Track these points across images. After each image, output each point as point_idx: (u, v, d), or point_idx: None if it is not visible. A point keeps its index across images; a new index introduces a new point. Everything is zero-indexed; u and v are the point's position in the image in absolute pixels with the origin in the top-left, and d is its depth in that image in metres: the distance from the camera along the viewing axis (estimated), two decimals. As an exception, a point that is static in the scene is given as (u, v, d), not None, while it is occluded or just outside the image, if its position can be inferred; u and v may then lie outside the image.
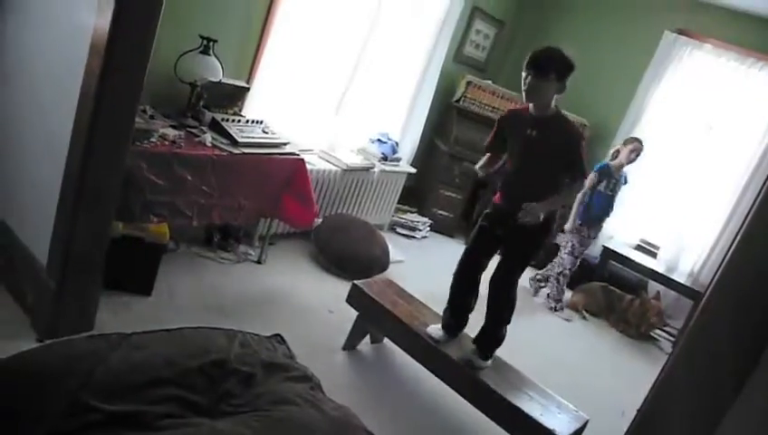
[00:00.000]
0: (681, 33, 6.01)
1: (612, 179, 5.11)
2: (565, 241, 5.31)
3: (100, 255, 2.72)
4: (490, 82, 6.45)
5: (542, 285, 5.49)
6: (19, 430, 1.66)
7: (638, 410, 1.62)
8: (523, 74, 2.87)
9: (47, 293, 2.63)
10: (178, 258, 3.80)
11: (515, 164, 3.09)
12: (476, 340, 3.17)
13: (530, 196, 2.90)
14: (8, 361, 1.86)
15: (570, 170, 3.00)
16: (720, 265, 1.41)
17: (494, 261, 3.19)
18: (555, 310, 5.31)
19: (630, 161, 5.11)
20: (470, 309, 3.25)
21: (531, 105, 2.97)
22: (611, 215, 5.30)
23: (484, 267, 3.23)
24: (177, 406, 1.87)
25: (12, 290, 2.89)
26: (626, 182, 5.25)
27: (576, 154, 2.93)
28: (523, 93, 2.90)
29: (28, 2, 2.86)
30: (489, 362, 3.10)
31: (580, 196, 4.97)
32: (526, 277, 4.67)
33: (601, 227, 5.35)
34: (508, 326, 3.17)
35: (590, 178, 5.00)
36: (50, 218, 2.64)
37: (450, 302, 3.26)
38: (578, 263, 5.32)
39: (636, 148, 5.07)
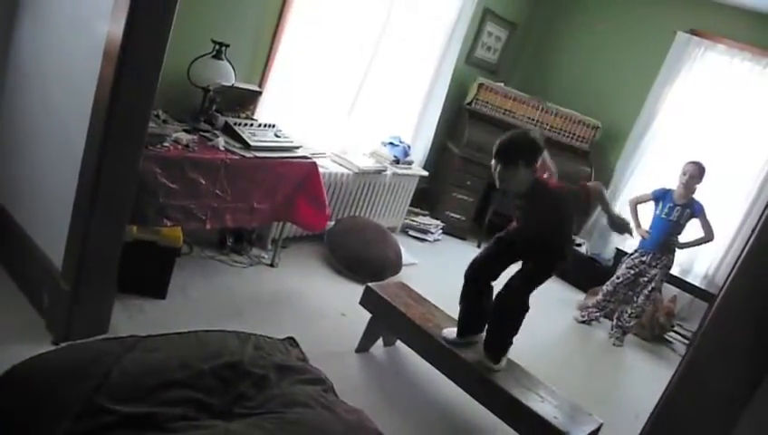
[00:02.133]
0: (694, 33, 5.98)
1: (669, 204, 4.85)
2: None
3: (115, 258, 2.75)
4: (502, 84, 6.44)
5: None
6: (35, 432, 1.68)
7: (651, 414, 1.60)
8: (492, 163, 2.93)
9: (62, 296, 2.66)
10: (192, 262, 3.83)
11: (519, 220, 3.16)
12: (485, 343, 3.16)
13: (540, 237, 3.02)
14: (25, 363, 1.88)
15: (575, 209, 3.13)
16: (734, 267, 1.40)
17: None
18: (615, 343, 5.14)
19: (687, 186, 4.76)
20: (485, 312, 3.22)
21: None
22: (678, 244, 4.94)
23: (497, 274, 3.21)
24: (190, 408, 1.88)
25: (27, 293, 2.92)
26: (698, 212, 4.81)
27: (568, 207, 3.06)
28: (496, 181, 2.97)
29: (43, 8, 2.89)
30: (502, 364, 3.08)
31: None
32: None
33: (665, 257, 4.94)
34: (517, 333, 3.16)
35: (647, 196, 5.03)
36: (65, 222, 2.67)
37: (462, 305, 3.24)
38: (642, 291, 5.03)
39: (685, 170, 4.77)
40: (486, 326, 3.17)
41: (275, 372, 2.19)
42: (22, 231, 2.98)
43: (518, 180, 2.92)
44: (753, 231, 1.39)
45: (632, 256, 5.09)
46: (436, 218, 6.14)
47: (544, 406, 2.88)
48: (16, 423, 1.73)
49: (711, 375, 1.44)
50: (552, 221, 3.02)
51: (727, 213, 5.70)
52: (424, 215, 6.13)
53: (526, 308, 3.11)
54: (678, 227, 4.87)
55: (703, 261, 5.92)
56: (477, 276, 3.20)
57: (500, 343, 3.12)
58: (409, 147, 5.66)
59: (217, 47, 3.57)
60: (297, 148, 3.84)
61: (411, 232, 5.87)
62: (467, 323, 3.22)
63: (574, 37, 6.81)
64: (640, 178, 6.27)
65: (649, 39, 6.25)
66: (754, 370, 1.36)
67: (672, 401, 1.51)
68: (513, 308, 3.11)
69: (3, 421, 1.76)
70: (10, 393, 1.81)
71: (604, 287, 5.22)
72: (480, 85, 6.24)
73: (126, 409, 1.76)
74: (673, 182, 4.96)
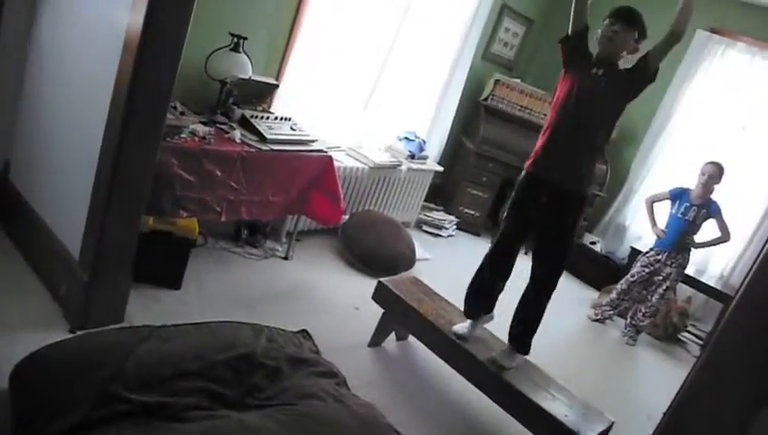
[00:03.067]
0: (714, 31, 5.92)
1: (686, 203, 4.83)
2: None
3: (131, 248, 2.77)
4: (518, 80, 6.41)
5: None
6: (51, 419, 1.70)
7: (664, 414, 1.60)
8: (606, 21, 2.89)
9: (79, 285, 2.69)
10: (207, 253, 3.85)
11: (566, 111, 2.94)
12: (514, 336, 3.12)
13: (574, 155, 2.92)
14: (42, 350, 1.91)
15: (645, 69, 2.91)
16: (752, 267, 1.40)
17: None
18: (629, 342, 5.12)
19: (705, 186, 4.74)
20: (499, 292, 3.21)
21: (600, 51, 2.95)
22: (693, 244, 4.90)
23: (516, 254, 3.17)
24: (204, 398, 1.90)
25: (45, 281, 2.95)
26: (715, 212, 4.79)
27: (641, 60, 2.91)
28: (602, 39, 2.90)
29: (63, 1, 2.92)
30: (515, 362, 3.07)
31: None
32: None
33: (680, 256, 4.92)
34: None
35: (663, 194, 5.03)
36: (83, 212, 2.69)
37: (476, 286, 3.22)
38: (657, 290, 5.01)
39: (704, 171, 4.74)
40: (518, 317, 3.13)
41: (288, 364, 2.20)
42: (40, 220, 3.01)
43: (623, 47, 2.90)
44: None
45: (647, 255, 5.06)
46: (451, 214, 6.14)
47: (555, 404, 2.88)
48: (33, 409, 1.76)
49: (726, 377, 1.43)
50: (618, 102, 2.95)
51: (744, 213, 5.64)
52: (438, 210, 6.13)
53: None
54: (694, 226, 4.84)
55: (718, 261, 5.88)
56: (499, 260, 3.16)
57: (534, 328, 3.10)
58: (425, 142, 5.65)
59: (235, 40, 3.58)
60: (313, 141, 3.85)
61: (425, 227, 5.87)
62: (485, 298, 3.20)
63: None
64: (656, 178, 6.22)
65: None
66: (769, 372, 1.35)
67: (686, 402, 1.51)
68: (553, 284, 3.06)
69: (21, 407, 1.79)
70: (28, 380, 1.83)
71: (618, 286, 5.20)
72: (496, 81, 6.22)
73: (140, 398, 1.78)
74: (689, 181, 4.92)
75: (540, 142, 3.03)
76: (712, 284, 5.53)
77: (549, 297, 3.08)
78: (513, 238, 3.15)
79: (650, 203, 5.10)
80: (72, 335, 2.58)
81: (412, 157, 5.40)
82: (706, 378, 1.47)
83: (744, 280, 1.41)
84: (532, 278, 3.10)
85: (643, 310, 5.05)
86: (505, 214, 3.17)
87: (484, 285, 3.20)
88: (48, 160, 3.04)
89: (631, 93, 2.94)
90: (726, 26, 5.88)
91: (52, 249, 2.90)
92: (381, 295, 3.49)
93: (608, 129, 3.02)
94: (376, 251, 4.49)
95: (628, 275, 5.16)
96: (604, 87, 2.89)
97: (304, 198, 3.87)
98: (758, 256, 1.38)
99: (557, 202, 2.95)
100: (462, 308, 3.31)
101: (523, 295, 3.13)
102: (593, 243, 6.27)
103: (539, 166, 3.00)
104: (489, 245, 3.25)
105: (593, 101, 2.91)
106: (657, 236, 4.98)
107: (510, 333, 3.14)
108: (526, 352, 3.11)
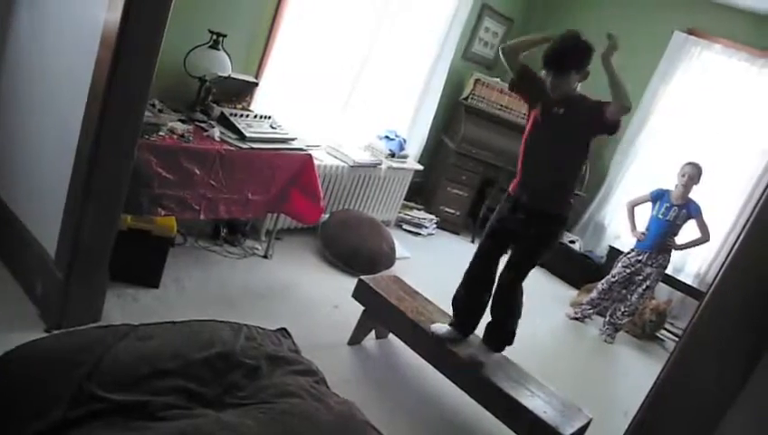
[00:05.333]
0: (691, 32, 5.99)
1: (666, 204, 4.88)
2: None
3: (108, 247, 2.75)
4: (498, 79, 6.43)
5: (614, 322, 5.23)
6: (27, 419, 1.68)
7: (639, 408, 1.62)
8: (543, 72, 2.87)
9: (56, 284, 2.66)
10: (186, 252, 3.83)
11: (538, 145, 3.02)
12: (487, 338, 3.17)
13: (552, 182, 2.94)
14: (17, 350, 1.88)
15: (601, 121, 2.85)
16: (723, 265, 1.42)
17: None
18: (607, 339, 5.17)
19: (685, 187, 4.79)
20: (485, 307, 3.22)
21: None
22: (674, 245, 4.96)
23: (497, 266, 3.20)
24: (182, 397, 1.89)
25: (21, 281, 2.91)
26: (695, 212, 4.84)
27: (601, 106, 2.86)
28: (549, 88, 2.88)
29: (40, -5, 2.89)
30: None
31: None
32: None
33: (661, 257, 4.98)
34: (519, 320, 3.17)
35: (644, 197, 5.06)
36: (59, 210, 2.67)
37: (464, 302, 3.22)
38: (640, 291, 5.07)
39: (684, 172, 4.78)
40: (491, 320, 3.17)
41: (267, 362, 2.20)
42: (15, 219, 2.97)
43: (569, 86, 2.87)
44: (740, 232, 1.40)
45: (628, 255, 5.11)
46: (431, 213, 6.15)
47: (534, 400, 2.90)
48: (7, 409, 1.74)
49: (699, 371, 1.45)
50: (583, 135, 2.94)
51: (721, 212, 5.70)
52: (418, 209, 6.14)
53: (522, 292, 3.12)
54: (675, 227, 4.90)
55: (695, 260, 5.94)
56: (481, 273, 3.19)
57: (508, 332, 3.13)
58: (405, 141, 5.66)
59: (214, 37, 3.56)
60: (292, 140, 3.84)
61: (405, 226, 5.87)
62: (471, 319, 3.23)
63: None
64: (635, 177, 6.29)
65: (646, 38, 6.24)
66: (742, 366, 1.37)
67: (659, 398, 1.53)
68: (519, 297, 3.11)
69: (-6, 407, 1.77)
70: (2, 380, 1.81)
71: (599, 285, 5.24)
72: (476, 80, 6.24)
73: (117, 397, 1.77)
74: (667, 182, 4.98)
75: (518, 169, 3.10)
76: (689, 282, 5.60)
77: (516, 302, 3.12)
78: (493, 253, 3.19)
79: (631, 207, 5.14)
80: (47, 334, 2.56)
81: (392, 155, 5.41)
82: (678, 374, 1.49)
83: (715, 277, 1.43)
84: (498, 285, 3.14)
85: (622, 308, 5.10)
86: (486, 231, 3.21)
87: (470, 300, 3.21)
88: (24, 158, 3.00)
89: (592, 132, 2.96)
90: (704, 28, 5.95)
91: (27, 248, 2.87)
92: (361, 293, 3.49)
93: (576, 161, 3.04)
94: (356, 250, 4.49)
95: (609, 276, 5.20)
96: (565, 126, 2.91)
97: (284, 197, 3.86)
98: (729, 253, 1.40)
99: (536, 220, 2.99)
100: (440, 306, 3.33)
101: (492, 302, 3.18)
102: (572, 241, 6.31)
103: (518, 192, 3.07)
104: (469, 243, 3.26)
105: (555, 142, 2.95)
106: (638, 239, 5.03)
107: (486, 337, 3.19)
108: (500, 348, 3.14)
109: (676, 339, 5.50)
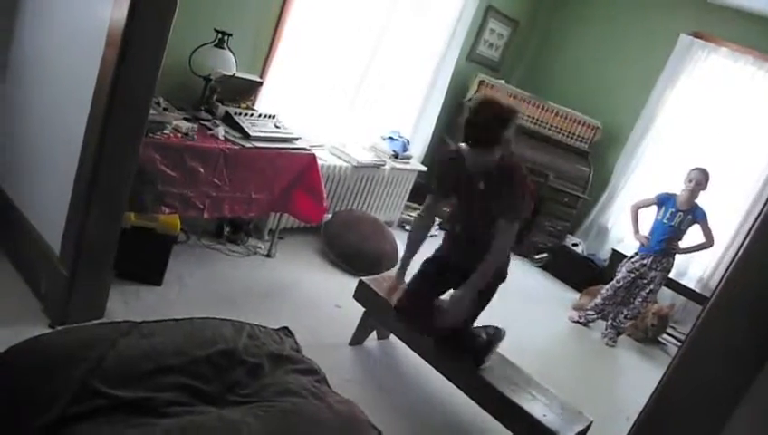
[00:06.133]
0: (697, 36, 5.98)
1: (672, 209, 4.85)
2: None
3: (112, 244, 2.75)
4: (503, 81, 6.44)
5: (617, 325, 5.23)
6: (30, 414, 1.69)
7: (640, 413, 1.62)
8: (462, 146, 2.78)
9: (60, 280, 2.67)
10: (189, 250, 3.84)
11: (463, 217, 3.09)
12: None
13: (479, 249, 2.87)
14: (21, 345, 1.89)
15: (503, 214, 2.79)
16: (727, 269, 1.41)
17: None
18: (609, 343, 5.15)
19: (692, 192, 4.76)
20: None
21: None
22: (678, 250, 4.95)
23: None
24: (184, 394, 1.89)
25: (25, 277, 2.93)
26: (700, 218, 4.82)
27: (512, 196, 2.76)
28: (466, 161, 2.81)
29: (46, -7, 2.90)
30: (487, 362, 3.07)
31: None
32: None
33: (665, 261, 4.96)
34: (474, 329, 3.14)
35: (649, 200, 5.02)
36: (63, 207, 2.67)
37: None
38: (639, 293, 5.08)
39: (691, 177, 4.76)
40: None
41: (269, 361, 2.21)
42: (21, 215, 2.98)
43: (493, 156, 2.70)
44: (747, 234, 1.40)
45: (632, 260, 5.09)
46: (434, 214, 6.13)
47: (534, 404, 2.90)
48: (11, 404, 1.74)
49: (702, 375, 1.45)
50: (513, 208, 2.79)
51: (726, 217, 5.70)
52: (421, 210, 6.13)
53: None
54: (679, 232, 4.88)
55: (698, 264, 5.93)
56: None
57: (476, 350, 3.07)
58: (408, 142, 5.66)
59: (220, 36, 3.56)
60: (296, 139, 3.84)
61: (408, 227, 5.86)
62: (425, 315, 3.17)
63: (576, 37, 6.80)
64: (639, 181, 6.29)
65: (652, 40, 6.25)
66: (746, 370, 1.37)
67: (659, 404, 1.52)
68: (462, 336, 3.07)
69: (-2, 402, 1.77)
70: (5, 375, 1.82)
71: (604, 291, 5.22)
72: (481, 82, 6.23)
73: (120, 393, 1.78)
74: (673, 185, 4.97)
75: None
76: (692, 286, 5.58)
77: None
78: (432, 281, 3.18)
79: (636, 209, 5.13)
80: (51, 330, 2.56)
81: (396, 156, 5.41)
82: (683, 376, 1.48)
83: (720, 280, 1.43)
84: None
85: (625, 312, 5.09)
86: (427, 260, 3.25)
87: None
88: (29, 155, 3.01)
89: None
90: (710, 31, 5.94)
91: (32, 244, 2.88)
92: (362, 294, 3.49)
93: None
94: (358, 250, 4.49)
95: (613, 281, 5.18)
96: (488, 200, 2.84)
97: (287, 196, 3.87)
98: (734, 256, 1.40)
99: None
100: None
101: None
102: (575, 244, 6.31)
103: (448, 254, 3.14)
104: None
105: (481, 217, 2.92)
106: (641, 243, 5.02)
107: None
108: (481, 360, 3.07)
109: (679, 343, 5.49)
